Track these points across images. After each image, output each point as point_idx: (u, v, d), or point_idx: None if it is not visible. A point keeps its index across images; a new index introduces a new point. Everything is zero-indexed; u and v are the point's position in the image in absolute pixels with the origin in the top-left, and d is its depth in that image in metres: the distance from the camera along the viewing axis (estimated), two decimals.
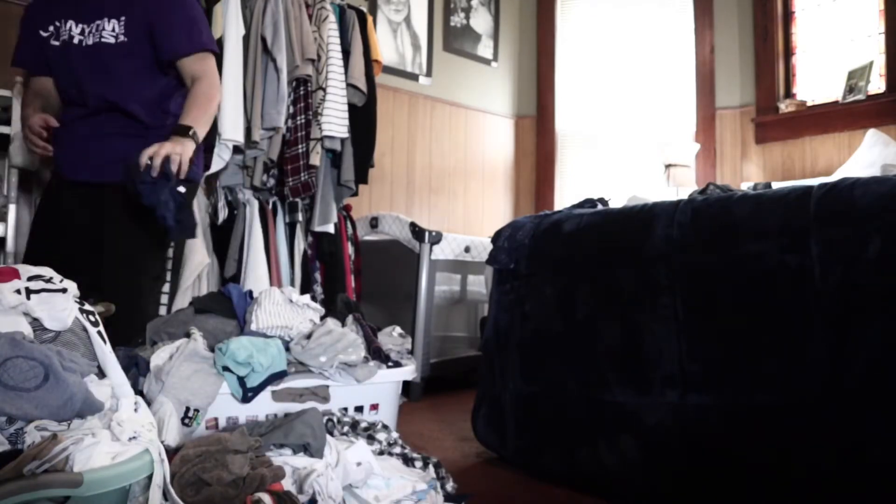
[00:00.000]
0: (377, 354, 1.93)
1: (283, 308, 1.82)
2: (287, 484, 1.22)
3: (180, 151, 1.73)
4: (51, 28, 1.89)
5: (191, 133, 1.80)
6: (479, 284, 3.40)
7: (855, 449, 1.26)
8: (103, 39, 1.86)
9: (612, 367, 1.64)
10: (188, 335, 1.67)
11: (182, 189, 1.74)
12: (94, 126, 1.89)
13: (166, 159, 1.69)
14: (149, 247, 1.92)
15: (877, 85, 3.61)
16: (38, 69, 1.94)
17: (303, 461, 1.30)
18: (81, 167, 1.89)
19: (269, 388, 1.71)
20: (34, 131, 1.84)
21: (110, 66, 1.86)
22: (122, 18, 1.86)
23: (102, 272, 1.81)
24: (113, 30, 1.86)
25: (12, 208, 2.29)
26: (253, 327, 1.76)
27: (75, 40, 1.87)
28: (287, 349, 1.78)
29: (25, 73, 2.05)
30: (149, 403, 1.31)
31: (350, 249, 2.99)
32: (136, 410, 1.10)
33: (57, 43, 1.88)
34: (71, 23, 1.87)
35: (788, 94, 4.01)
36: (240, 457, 1.14)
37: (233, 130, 2.49)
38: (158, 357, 1.57)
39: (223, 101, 2.47)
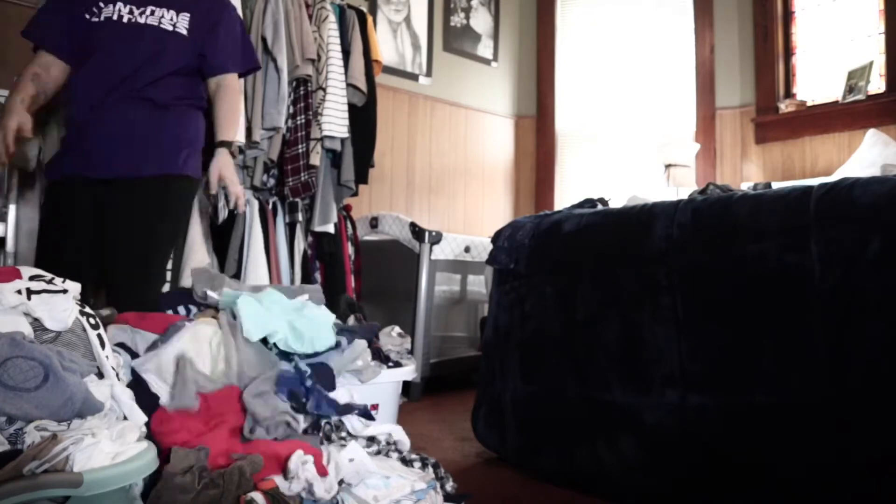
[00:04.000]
0: (377, 354, 1.94)
1: None
2: (280, 480, 1.21)
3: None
4: (93, 9, 1.86)
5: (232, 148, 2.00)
6: (479, 284, 3.40)
7: (855, 449, 1.26)
8: (162, 25, 1.88)
9: (612, 367, 1.64)
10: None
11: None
12: (123, 113, 1.84)
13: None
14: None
15: (877, 85, 3.60)
16: (57, 47, 1.87)
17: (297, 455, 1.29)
18: (115, 161, 1.85)
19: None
20: (5, 140, 1.71)
21: (157, 50, 1.86)
22: (187, 15, 1.91)
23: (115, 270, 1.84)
24: (171, 19, 1.89)
25: (12, 208, 2.29)
26: None
27: (124, 19, 1.86)
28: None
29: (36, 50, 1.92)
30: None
31: (350, 249, 2.99)
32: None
33: (98, 20, 1.85)
34: (119, 4, 1.87)
35: (788, 94, 4.01)
36: (188, 475, 1.10)
37: None
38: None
39: None
